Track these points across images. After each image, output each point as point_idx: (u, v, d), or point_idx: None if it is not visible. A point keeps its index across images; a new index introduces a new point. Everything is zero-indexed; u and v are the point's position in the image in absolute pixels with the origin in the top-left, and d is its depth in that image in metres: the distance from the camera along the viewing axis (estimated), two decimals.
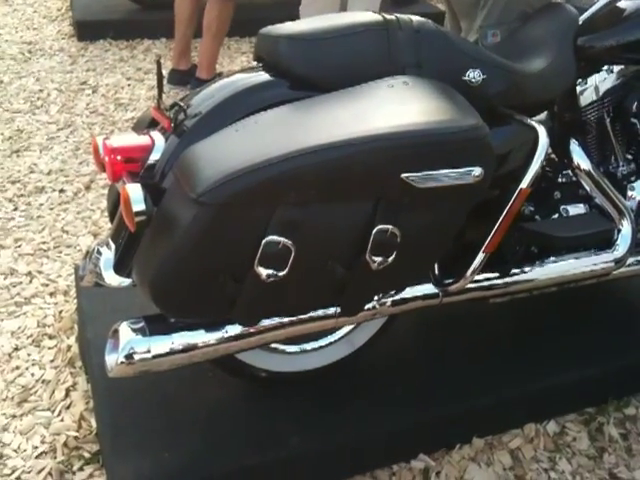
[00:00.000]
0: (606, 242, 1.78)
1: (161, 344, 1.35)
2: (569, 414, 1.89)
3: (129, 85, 3.87)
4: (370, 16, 1.50)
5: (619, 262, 1.78)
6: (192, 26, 3.77)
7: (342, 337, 1.72)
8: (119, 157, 1.38)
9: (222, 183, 1.17)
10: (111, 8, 4.63)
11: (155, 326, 1.37)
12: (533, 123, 1.56)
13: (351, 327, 1.70)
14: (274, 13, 4.57)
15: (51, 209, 2.74)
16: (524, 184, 1.51)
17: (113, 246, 1.42)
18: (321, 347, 1.71)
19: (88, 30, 4.47)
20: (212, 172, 1.19)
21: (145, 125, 1.54)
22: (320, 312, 1.47)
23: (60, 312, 2.17)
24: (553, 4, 1.91)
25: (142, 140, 1.41)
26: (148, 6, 4.62)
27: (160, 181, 1.36)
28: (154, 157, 1.39)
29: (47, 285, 2.31)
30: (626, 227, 1.77)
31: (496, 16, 1.93)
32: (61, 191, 2.87)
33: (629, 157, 1.88)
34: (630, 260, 1.83)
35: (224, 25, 3.61)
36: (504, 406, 1.81)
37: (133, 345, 1.33)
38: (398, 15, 1.51)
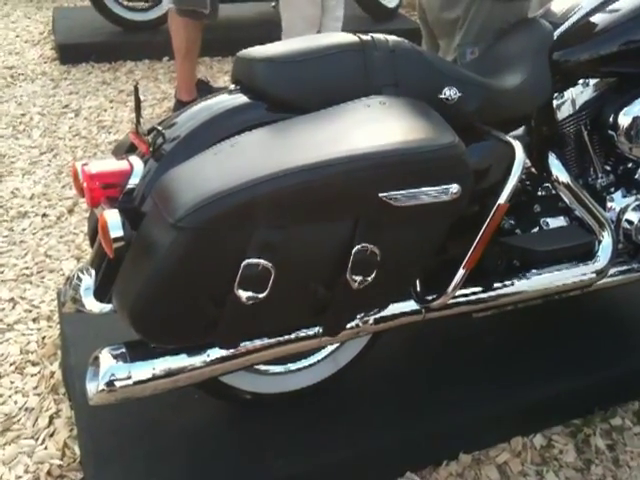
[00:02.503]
0: (587, 254, 1.79)
1: (142, 370, 1.34)
2: (556, 426, 1.89)
3: (112, 107, 3.87)
4: (346, 37, 1.51)
5: (601, 273, 1.79)
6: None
7: (326, 356, 1.71)
8: (98, 183, 1.38)
9: (200, 207, 1.17)
10: (93, 31, 4.64)
11: (136, 352, 1.35)
12: (509, 139, 1.57)
13: (335, 346, 1.70)
14: (257, 32, 4.63)
15: (34, 234, 2.73)
16: (502, 200, 1.52)
17: (93, 272, 1.41)
18: (305, 367, 1.70)
19: (70, 53, 4.47)
20: (190, 196, 1.19)
21: (124, 150, 1.53)
22: (303, 332, 1.46)
23: (43, 338, 2.16)
24: (527, 20, 1.93)
25: (120, 165, 1.41)
26: (130, 28, 4.64)
27: (139, 206, 1.36)
28: (133, 182, 1.39)
29: (30, 311, 2.29)
30: (606, 238, 1.78)
31: (474, 34, 1.95)
32: (44, 215, 2.85)
33: (607, 169, 1.89)
34: (612, 271, 1.84)
35: (194, 45, 3.56)
36: (490, 420, 1.81)
37: (114, 372, 1.32)
38: (374, 35, 1.52)
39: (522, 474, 1.76)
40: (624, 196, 1.88)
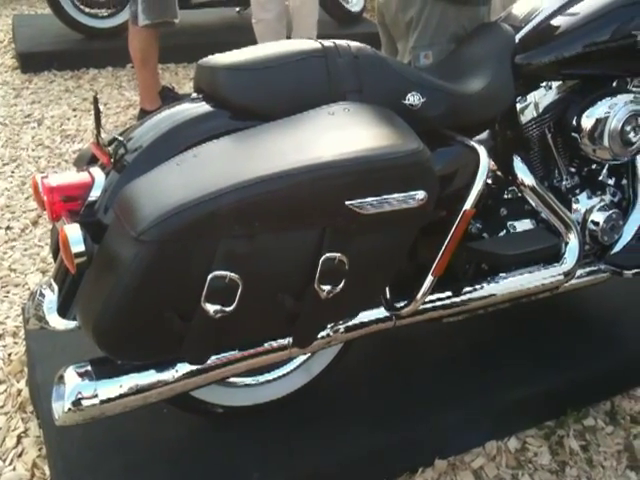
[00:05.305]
0: (554, 256, 1.80)
1: (109, 388, 1.32)
2: (529, 429, 1.89)
3: (75, 116, 3.81)
4: (308, 44, 1.50)
5: (568, 275, 1.80)
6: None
7: (299, 366, 1.70)
8: (58, 196, 1.35)
9: (163, 220, 1.15)
10: (55, 39, 4.57)
11: (102, 369, 1.33)
12: (474, 144, 1.58)
13: (308, 355, 1.69)
14: (222, 38, 4.61)
15: None
16: (467, 205, 1.52)
17: (56, 288, 1.38)
18: (277, 378, 1.68)
19: (32, 62, 4.40)
20: (152, 209, 1.17)
21: (86, 161, 1.50)
22: (273, 344, 1.45)
23: (9, 355, 2.11)
24: (489, 24, 1.94)
25: (81, 177, 1.38)
26: (92, 36, 4.58)
27: (101, 219, 1.34)
28: (94, 194, 1.37)
29: None
30: (573, 240, 1.80)
31: (428, 37, 1.95)
32: (7, 228, 2.80)
33: (572, 170, 1.91)
34: (579, 272, 1.86)
35: (149, 54, 3.50)
36: (464, 425, 1.81)
37: (80, 391, 1.29)
38: (336, 41, 1.52)
39: (498, 478, 1.76)
40: (589, 197, 1.89)
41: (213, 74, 1.46)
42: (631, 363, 2.03)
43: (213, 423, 1.69)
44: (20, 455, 1.78)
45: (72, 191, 1.36)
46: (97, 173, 1.39)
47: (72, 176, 1.40)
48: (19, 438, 1.83)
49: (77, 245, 1.24)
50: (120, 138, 1.40)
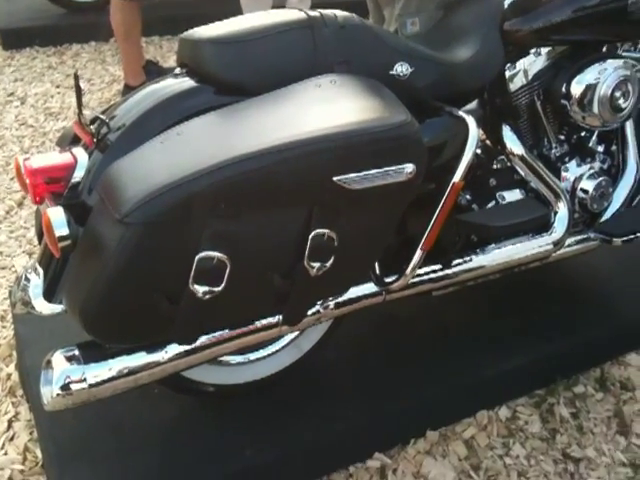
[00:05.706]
0: (544, 225, 1.79)
1: (98, 371, 1.30)
2: (520, 397, 1.90)
3: (59, 93, 3.75)
4: (293, 14, 1.47)
5: (558, 244, 1.79)
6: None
7: (289, 343, 1.69)
8: (40, 178, 1.32)
9: (147, 201, 1.13)
10: (36, 14, 4.49)
11: (90, 353, 1.31)
12: (463, 114, 1.55)
13: (298, 332, 1.68)
14: (207, 9, 4.52)
15: None
16: (456, 178, 1.50)
17: (41, 271, 1.36)
18: (269, 355, 1.68)
19: (13, 38, 4.33)
20: (136, 190, 1.14)
21: (69, 141, 1.47)
22: (263, 322, 1.43)
23: None
24: None
25: (64, 158, 1.36)
26: (74, 10, 4.49)
27: (85, 201, 1.31)
28: (78, 175, 1.34)
29: None
30: (562, 209, 1.78)
31: (415, 4, 1.91)
32: None
33: (561, 138, 1.89)
34: (568, 241, 1.85)
35: (132, 28, 3.44)
36: (455, 396, 1.81)
37: (68, 375, 1.27)
38: (322, 11, 1.48)
39: (489, 447, 1.77)
40: (578, 165, 1.88)
41: (196, 48, 1.43)
42: (620, 330, 2.04)
43: (204, 403, 1.68)
44: (11, 439, 1.77)
45: (55, 173, 1.34)
46: (80, 153, 1.36)
47: (54, 157, 1.37)
48: (10, 422, 1.82)
49: (61, 228, 1.21)
50: (102, 117, 1.37)
